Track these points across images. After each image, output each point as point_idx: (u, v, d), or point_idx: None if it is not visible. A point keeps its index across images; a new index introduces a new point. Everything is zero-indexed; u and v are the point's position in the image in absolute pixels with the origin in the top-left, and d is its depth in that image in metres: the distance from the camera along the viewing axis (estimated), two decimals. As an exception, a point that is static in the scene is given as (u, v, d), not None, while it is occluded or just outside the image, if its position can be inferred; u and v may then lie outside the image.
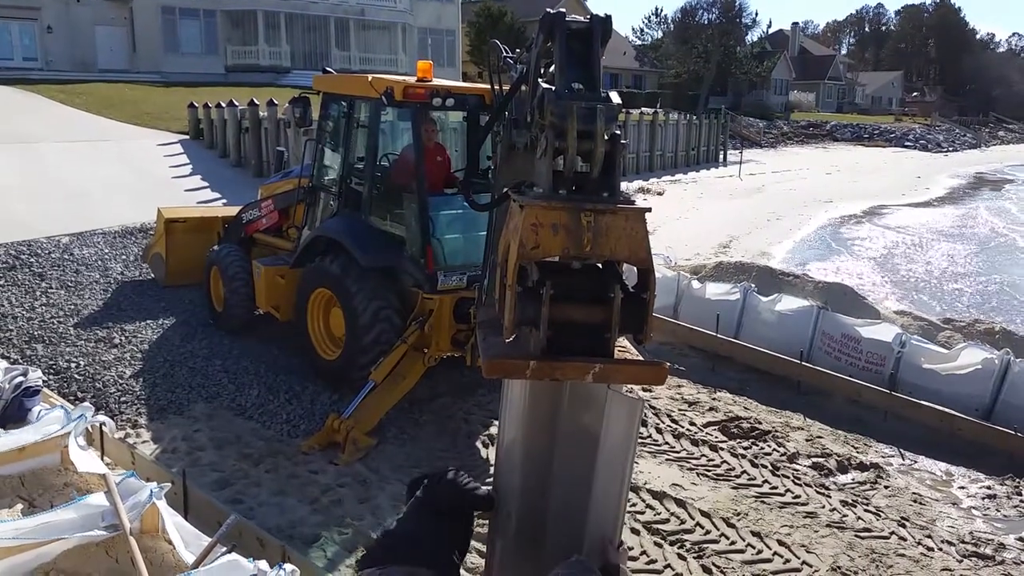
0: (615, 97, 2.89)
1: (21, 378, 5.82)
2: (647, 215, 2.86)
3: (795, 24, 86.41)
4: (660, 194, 25.53)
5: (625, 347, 3.14)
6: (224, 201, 15.54)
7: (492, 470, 6.54)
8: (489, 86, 4.72)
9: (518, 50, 4.16)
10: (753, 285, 10.67)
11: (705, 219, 21.84)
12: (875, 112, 76.53)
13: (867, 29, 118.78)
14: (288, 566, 3.58)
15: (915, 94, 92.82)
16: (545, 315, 2.77)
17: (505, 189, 3.36)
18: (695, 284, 10.84)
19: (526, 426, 3.59)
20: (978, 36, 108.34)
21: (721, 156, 36.30)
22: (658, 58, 62.80)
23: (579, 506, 3.56)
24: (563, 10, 3.12)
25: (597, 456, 3.51)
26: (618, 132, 2.86)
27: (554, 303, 2.77)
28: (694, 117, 35.76)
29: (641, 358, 3.08)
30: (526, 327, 2.88)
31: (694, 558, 5.61)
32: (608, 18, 3.04)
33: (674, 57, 60.22)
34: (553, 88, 2.89)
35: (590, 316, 2.85)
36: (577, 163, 2.84)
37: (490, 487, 3.83)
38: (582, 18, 3.07)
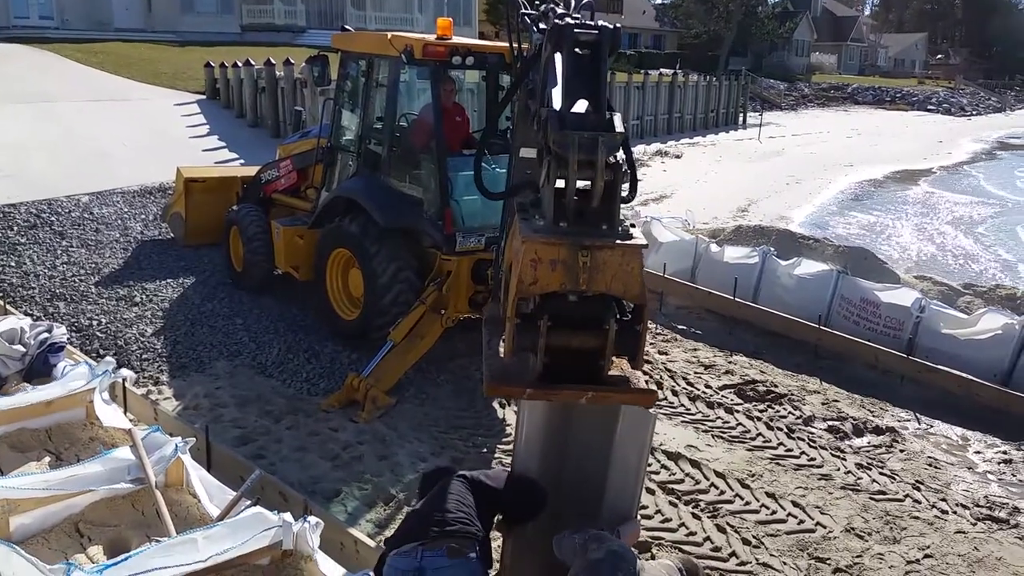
0: (618, 123, 2.90)
1: (46, 334, 5.92)
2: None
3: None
4: (678, 157, 25.32)
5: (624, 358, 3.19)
6: (242, 161, 15.54)
7: (508, 438, 6.64)
8: (508, 45, 4.67)
9: (537, 1, 4.12)
10: (772, 249, 10.60)
11: (724, 182, 21.67)
12: (898, 75, 75.18)
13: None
14: (312, 518, 3.66)
15: (939, 57, 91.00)
16: (542, 345, 2.87)
17: (514, 198, 3.39)
18: (713, 248, 10.77)
19: (543, 432, 3.76)
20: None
21: (741, 118, 35.85)
22: (678, 17, 61.78)
23: (592, 511, 3.75)
24: (571, 21, 3.08)
25: (610, 464, 3.72)
26: (620, 160, 2.88)
27: (551, 331, 2.86)
28: (714, 79, 35.26)
29: (637, 375, 3.16)
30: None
31: (708, 517, 5.66)
32: (616, 30, 3.04)
33: (694, 17, 59.21)
34: (557, 110, 2.89)
35: (585, 343, 2.94)
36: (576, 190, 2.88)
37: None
38: (591, 29, 3.04)
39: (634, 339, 2.93)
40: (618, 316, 2.94)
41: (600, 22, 3.09)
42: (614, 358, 3.03)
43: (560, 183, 2.85)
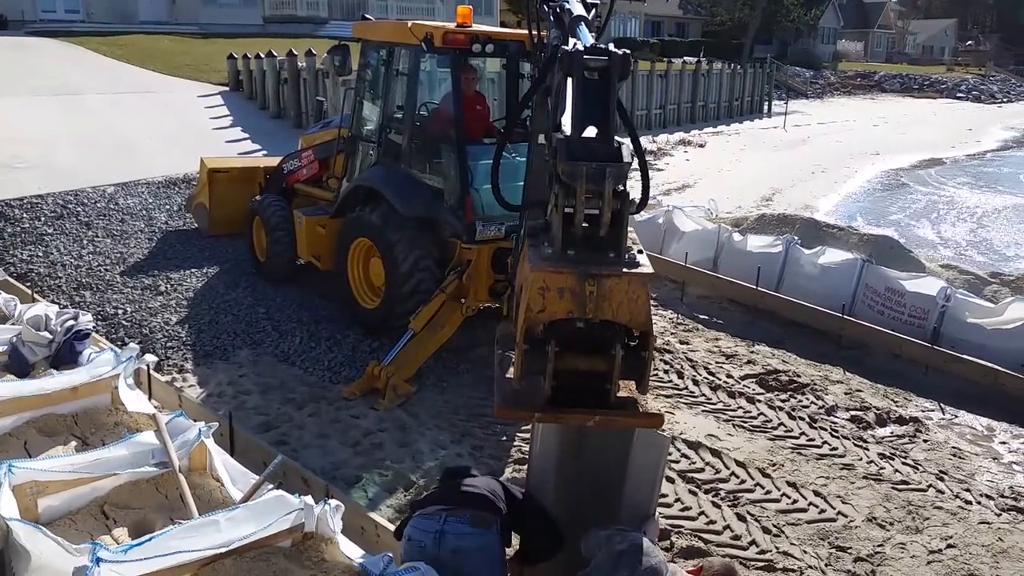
0: (626, 152, 2.88)
1: (72, 322, 5.97)
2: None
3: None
4: (702, 146, 25.15)
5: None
6: (264, 152, 15.65)
7: (526, 427, 6.65)
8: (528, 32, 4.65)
9: None
10: (796, 237, 10.51)
11: (748, 171, 21.52)
12: (926, 62, 74.08)
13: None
14: (333, 501, 3.68)
15: (969, 43, 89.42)
16: (550, 371, 2.91)
17: (525, 226, 3.42)
18: (736, 236, 10.70)
19: (557, 452, 3.78)
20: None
21: (766, 107, 35.55)
22: (702, 5, 61.16)
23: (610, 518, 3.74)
24: (580, 48, 3.05)
25: (624, 487, 3.75)
26: (627, 189, 2.89)
27: (559, 356, 2.90)
28: (738, 66, 34.95)
29: (645, 398, 3.19)
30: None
31: (729, 506, 5.64)
32: (627, 56, 3.01)
33: (719, 4, 58.60)
34: (566, 137, 2.89)
35: (592, 367, 2.98)
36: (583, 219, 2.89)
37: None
38: (600, 55, 3.01)
39: (640, 364, 2.96)
40: (626, 341, 2.96)
41: (610, 46, 3.06)
42: (622, 381, 3.06)
43: (568, 209, 2.87)
